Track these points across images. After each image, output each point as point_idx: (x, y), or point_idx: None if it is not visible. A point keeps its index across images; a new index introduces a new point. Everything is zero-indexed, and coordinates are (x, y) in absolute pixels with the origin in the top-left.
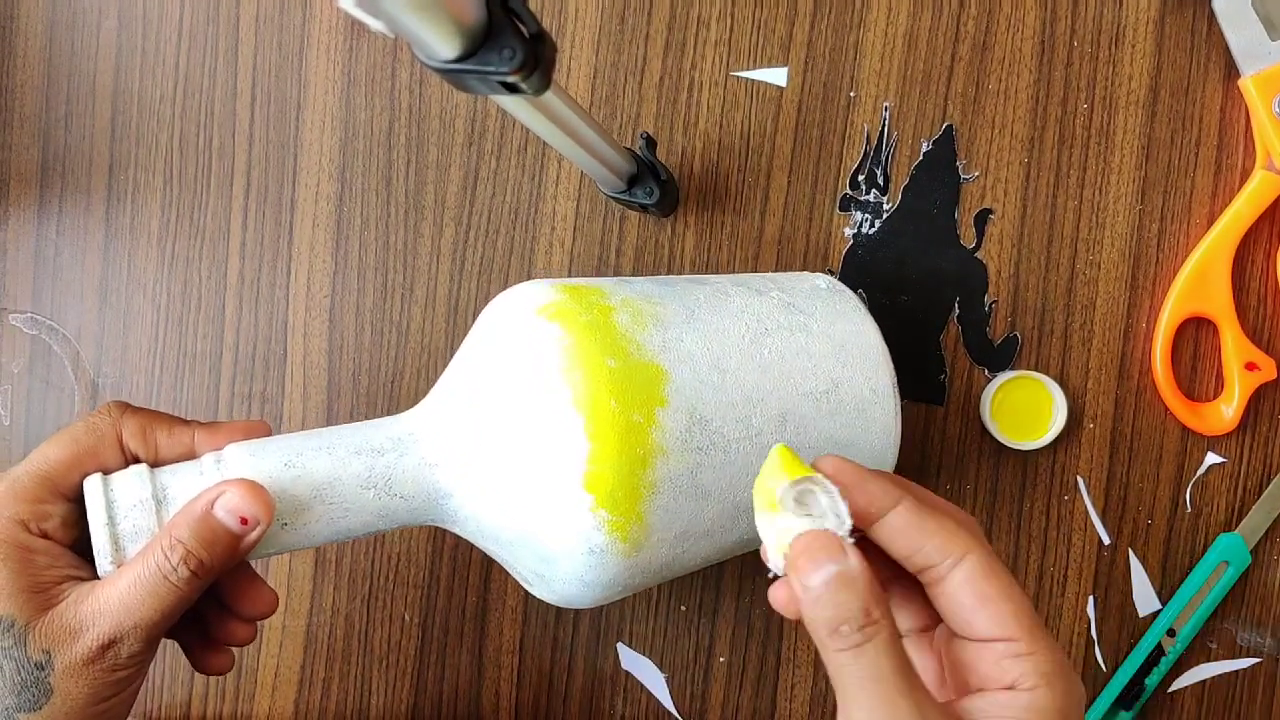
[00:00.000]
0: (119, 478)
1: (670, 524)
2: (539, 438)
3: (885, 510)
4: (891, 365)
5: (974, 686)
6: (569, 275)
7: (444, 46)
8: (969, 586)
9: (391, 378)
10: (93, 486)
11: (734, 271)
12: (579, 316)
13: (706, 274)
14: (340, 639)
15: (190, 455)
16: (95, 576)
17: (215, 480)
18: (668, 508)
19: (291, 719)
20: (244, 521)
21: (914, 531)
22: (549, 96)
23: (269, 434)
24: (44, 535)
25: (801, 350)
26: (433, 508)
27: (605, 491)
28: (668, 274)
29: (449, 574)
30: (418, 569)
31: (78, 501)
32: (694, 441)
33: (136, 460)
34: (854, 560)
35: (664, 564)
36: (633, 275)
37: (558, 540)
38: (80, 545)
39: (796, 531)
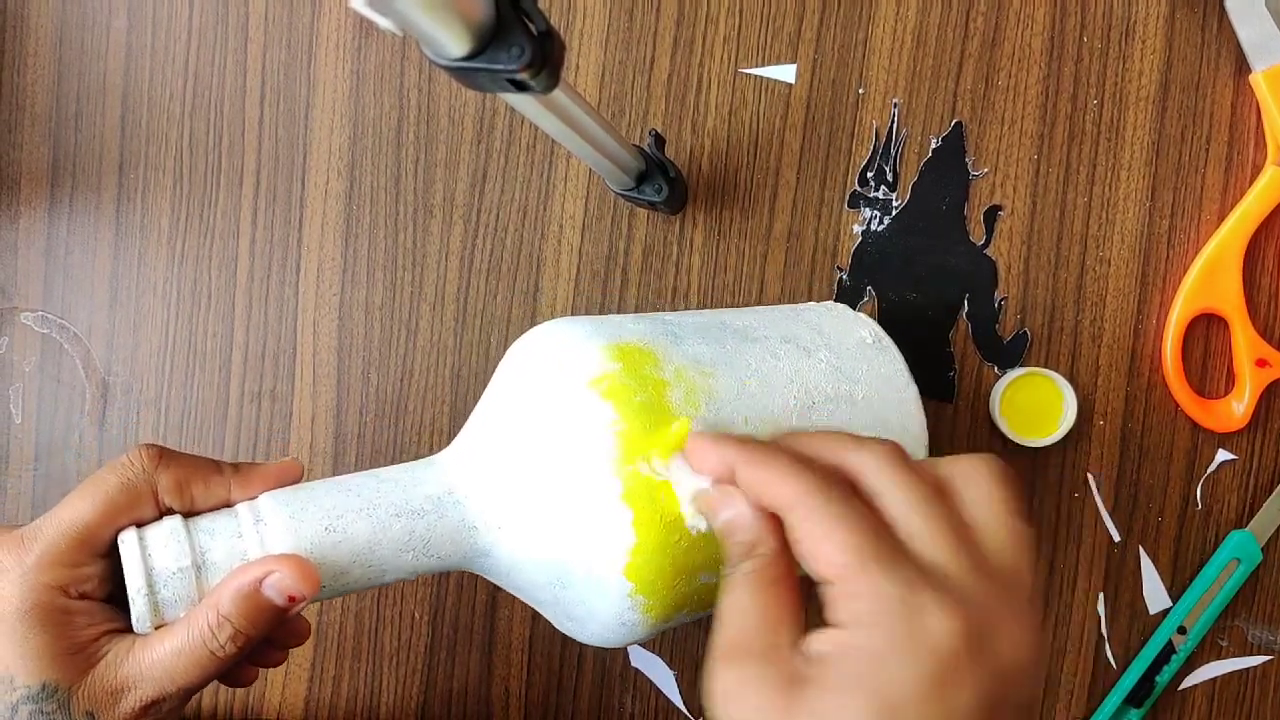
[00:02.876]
0: (155, 540)
1: (702, 599)
2: (585, 524)
3: (723, 478)
4: (925, 427)
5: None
6: (577, 272)
7: (453, 44)
8: (795, 531)
9: (400, 375)
10: (129, 551)
11: (743, 270)
12: (633, 397)
13: (750, 311)
14: (350, 636)
15: (226, 503)
16: (130, 628)
17: (255, 542)
18: (699, 585)
19: (302, 716)
20: (291, 600)
21: (751, 490)
22: (557, 94)
23: (301, 475)
24: (82, 596)
25: (845, 424)
26: (467, 563)
27: (645, 581)
28: (678, 274)
29: (459, 572)
30: None
31: (112, 556)
32: None
33: (170, 511)
34: (729, 511)
35: (688, 620)
36: (644, 274)
37: (591, 613)
38: (115, 597)
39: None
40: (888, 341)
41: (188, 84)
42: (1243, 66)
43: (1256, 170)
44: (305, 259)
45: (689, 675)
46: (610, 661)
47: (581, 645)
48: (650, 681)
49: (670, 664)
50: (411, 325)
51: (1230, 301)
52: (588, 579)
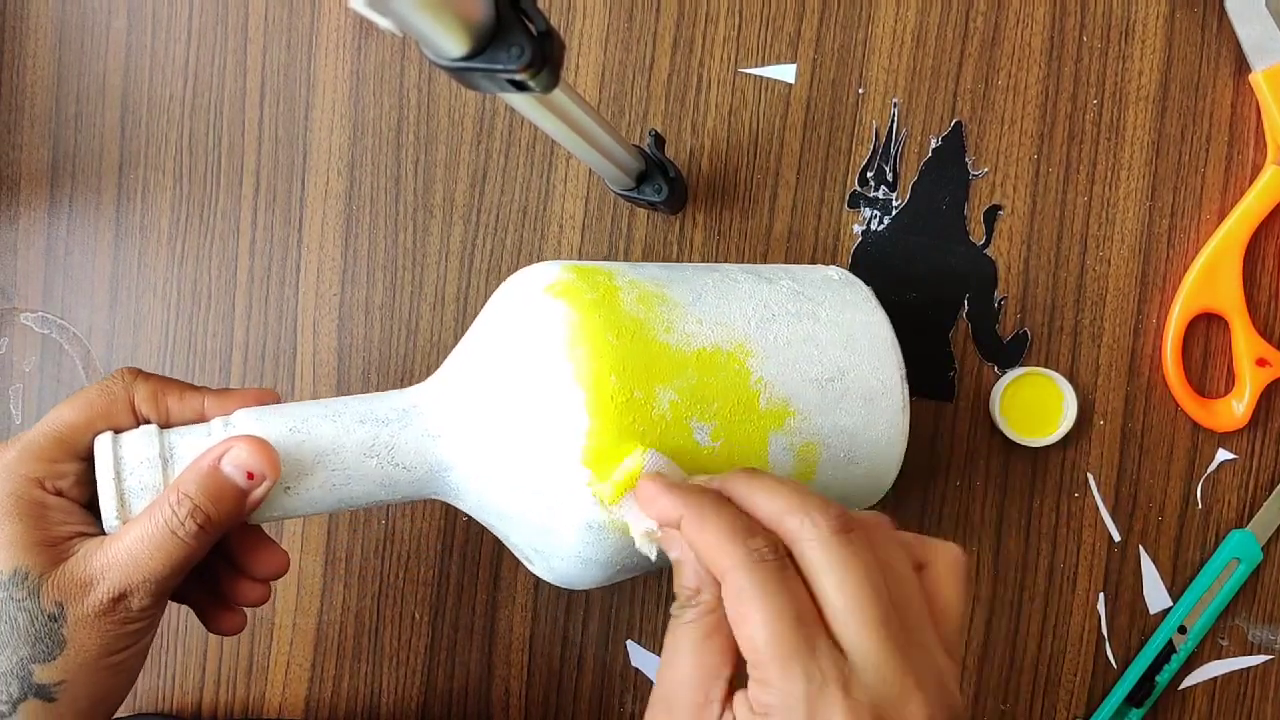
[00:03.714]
0: (128, 436)
1: None
2: (540, 412)
3: (668, 524)
4: (901, 358)
5: None
6: None
7: (452, 45)
8: (726, 602)
9: (401, 375)
10: (102, 444)
11: None
12: (585, 294)
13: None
14: (350, 636)
15: (201, 420)
16: (105, 533)
17: (221, 439)
18: None
19: (302, 716)
20: (250, 477)
21: (691, 548)
22: (557, 94)
23: (278, 402)
24: (58, 493)
25: (809, 337)
26: (434, 480)
27: (604, 467)
28: None
29: (459, 571)
30: (427, 566)
31: (90, 461)
32: (694, 417)
33: (148, 423)
34: (676, 553)
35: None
36: None
37: (556, 515)
38: (93, 504)
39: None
40: (853, 278)
41: (187, 84)
42: (1243, 66)
43: (1256, 170)
44: (305, 259)
45: None
46: (610, 661)
47: (582, 645)
48: (650, 681)
49: None
50: (411, 325)
51: (1230, 301)
52: (549, 476)
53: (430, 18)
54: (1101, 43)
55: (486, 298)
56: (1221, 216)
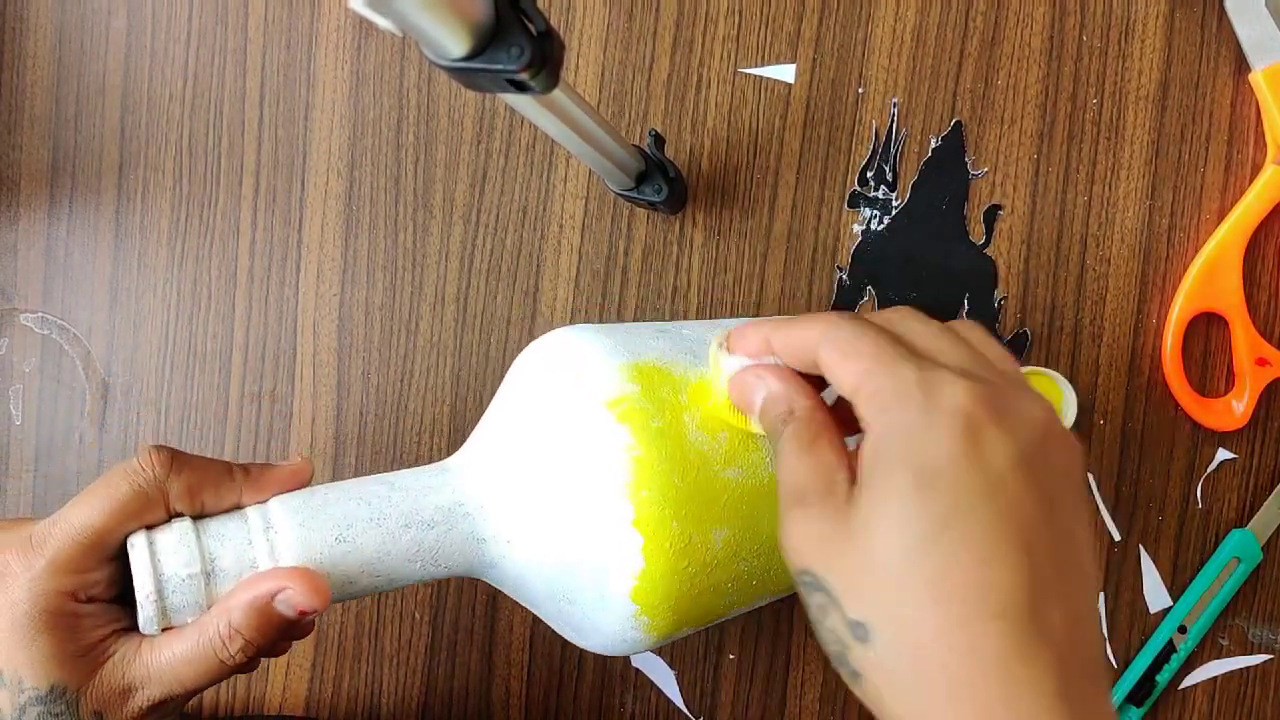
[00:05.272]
0: (165, 546)
1: (704, 619)
2: (594, 546)
3: (763, 352)
4: None
5: None
6: (577, 273)
7: (452, 45)
8: (823, 361)
9: (400, 375)
10: (139, 557)
11: (743, 270)
12: (650, 422)
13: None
14: (351, 636)
15: (235, 506)
16: (135, 626)
17: (264, 550)
18: (705, 607)
19: (303, 716)
20: (302, 613)
21: (785, 350)
22: (557, 94)
23: (311, 476)
24: (90, 600)
25: None
26: (473, 573)
27: (650, 605)
28: (678, 274)
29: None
30: None
31: (120, 559)
32: (742, 553)
33: (178, 513)
34: (762, 391)
35: (690, 634)
36: (644, 274)
37: (595, 628)
38: (123, 596)
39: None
40: None
41: (187, 84)
42: (1242, 65)
43: (1256, 169)
44: (305, 259)
45: (689, 675)
46: (610, 661)
47: None
48: (650, 681)
49: (670, 664)
50: (411, 325)
51: (1230, 300)
52: (594, 599)
53: (430, 18)
54: (1101, 42)
55: (486, 298)
56: (1221, 216)
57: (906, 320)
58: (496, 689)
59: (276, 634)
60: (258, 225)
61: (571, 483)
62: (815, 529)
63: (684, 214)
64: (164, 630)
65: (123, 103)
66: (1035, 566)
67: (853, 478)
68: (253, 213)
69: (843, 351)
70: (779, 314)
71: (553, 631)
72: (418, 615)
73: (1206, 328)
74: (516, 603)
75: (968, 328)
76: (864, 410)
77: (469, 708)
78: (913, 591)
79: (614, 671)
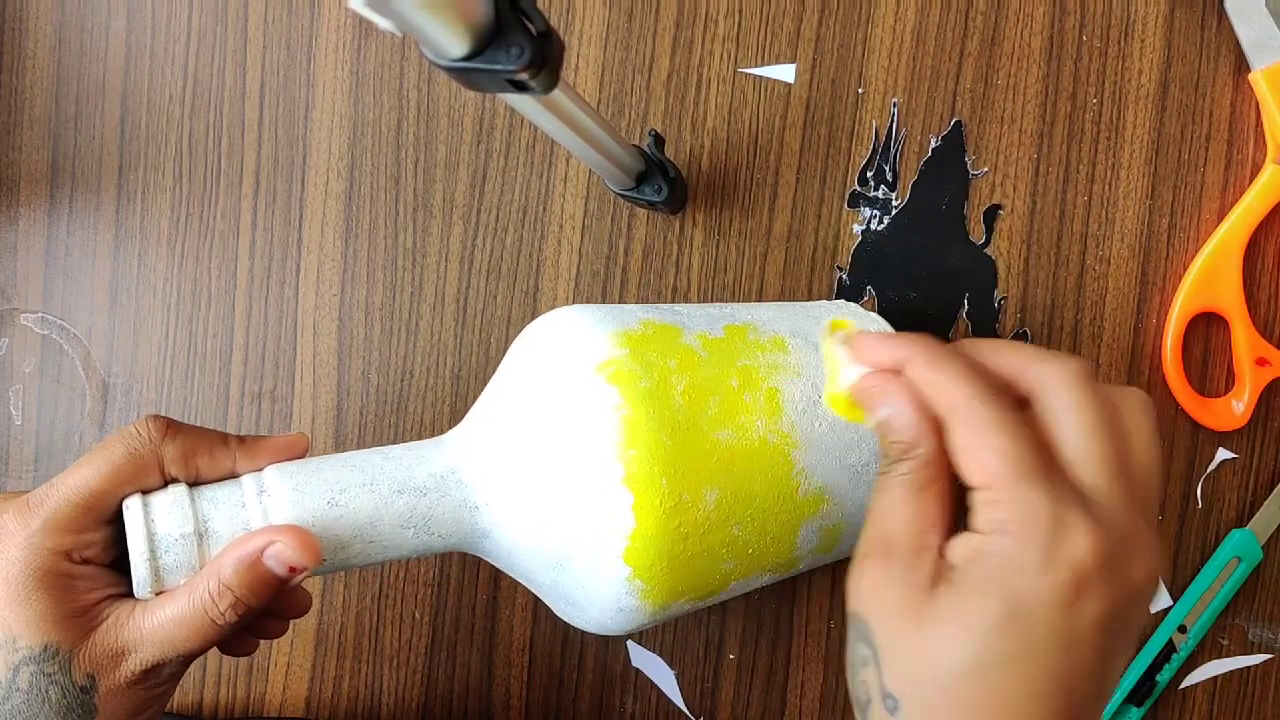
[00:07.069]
0: (159, 507)
1: (700, 587)
2: (585, 506)
3: (892, 367)
4: None
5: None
6: (577, 272)
7: (452, 45)
8: (954, 435)
9: (401, 376)
10: (133, 517)
11: (743, 269)
12: (638, 383)
13: (762, 305)
14: (351, 637)
15: (230, 474)
16: (131, 592)
17: (257, 512)
18: (700, 573)
19: (303, 716)
20: (292, 570)
21: (920, 388)
22: (557, 94)
23: (308, 448)
24: (85, 561)
25: (850, 424)
26: (467, 544)
27: (643, 565)
28: (678, 273)
29: (459, 572)
30: (428, 567)
31: (116, 522)
32: (735, 517)
33: (174, 479)
34: (888, 409)
35: (688, 611)
36: (644, 274)
37: (590, 598)
38: (119, 561)
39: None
40: (877, 319)
41: (187, 85)
42: (1242, 65)
43: (1256, 169)
44: (305, 259)
45: (689, 675)
46: (611, 661)
47: (582, 646)
48: (651, 681)
49: (670, 664)
50: (411, 325)
51: (1230, 300)
52: (586, 563)
53: (430, 18)
54: (1101, 42)
55: (486, 297)
56: (1221, 216)
57: (1071, 412)
58: (497, 690)
59: (268, 592)
60: (258, 225)
61: (562, 444)
62: (887, 592)
63: (684, 214)
64: (158, 594)
65: (123, 103)
66: (1071, 706)
67: (944, 540)
68: (253, 213)
69: (977, 440)
70: None
71: (553, 631)
72: (418, 616)
73: (1206, 327)
74: (517, 603)
75: (1131, 405)
76: (982, 513)
77: (469, 708)
78: (957, 698)
79: (614, 672)
